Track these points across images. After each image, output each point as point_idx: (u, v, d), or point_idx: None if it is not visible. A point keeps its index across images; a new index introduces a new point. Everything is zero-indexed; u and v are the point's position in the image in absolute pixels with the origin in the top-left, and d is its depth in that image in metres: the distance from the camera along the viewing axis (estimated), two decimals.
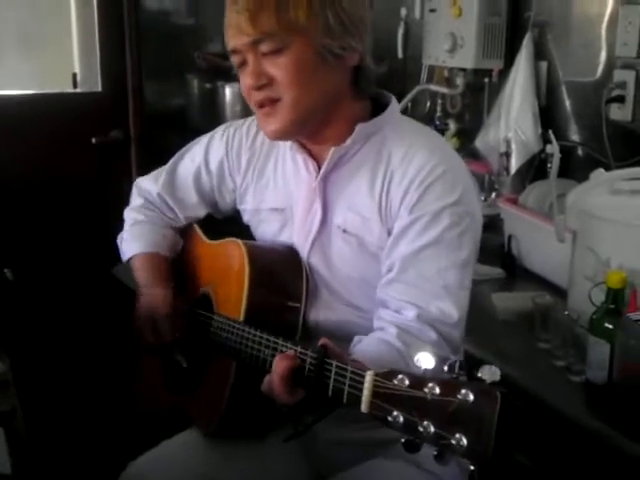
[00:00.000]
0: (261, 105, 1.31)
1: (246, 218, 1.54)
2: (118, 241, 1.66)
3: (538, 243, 2.04)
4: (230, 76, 2.91)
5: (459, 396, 0.89)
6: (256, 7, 1.24)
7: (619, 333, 1.42)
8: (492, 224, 2.20)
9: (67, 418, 2.61)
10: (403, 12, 2.88)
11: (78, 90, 2.96)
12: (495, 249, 2.16)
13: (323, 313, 1.38)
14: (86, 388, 2.72)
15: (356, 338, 1.27)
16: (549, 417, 1.46)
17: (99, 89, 2.96)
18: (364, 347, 1.23)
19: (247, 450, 1.41)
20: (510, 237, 2.15)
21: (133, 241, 1.61)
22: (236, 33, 1.28)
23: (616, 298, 1.46)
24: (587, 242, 1.69)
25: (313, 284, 1.39)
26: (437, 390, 0.91)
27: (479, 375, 0.91)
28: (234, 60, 1.32)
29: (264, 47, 1.26)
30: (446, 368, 0.93)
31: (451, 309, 1.26)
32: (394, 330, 1.24)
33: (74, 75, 2.94)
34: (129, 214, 1.66)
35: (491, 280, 2.04)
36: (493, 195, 2.48)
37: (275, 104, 1.29)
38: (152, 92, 3.03)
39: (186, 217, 1.61)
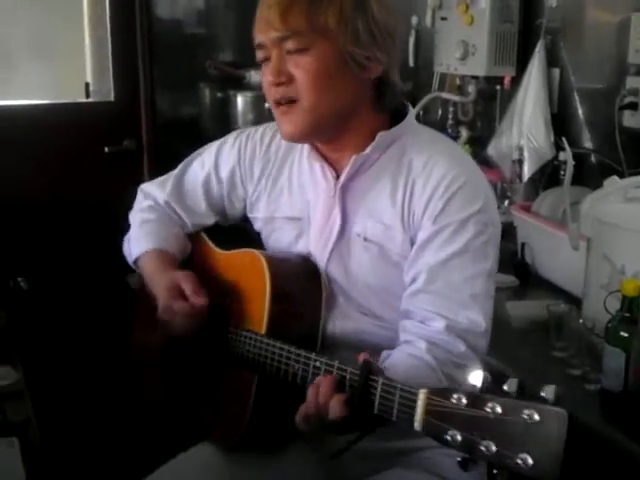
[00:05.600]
0: (278, 103, 1.31)
1: (257, 226, 1.52)
2: (124, 242, 1.60)
3: (552, 251, 2.03)
4: (242, 85, 2.97)
5: (524, 416, 0.89)
6: (288, 2, 1.26)
7: (635, 341, 1.40)
8: (505, 232, 2.16)
9: (82, 428, 2.61)
10: (414, 20, 2.88)
11: (91, 100, 2.97)
12: (508, 257, 2.14)
13: (340, 322, 1.36)
14: (101, 398, 2.72)
15: (384, 353, 1.25)
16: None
17: (112, 99, 2.97)
18: (394, 362, 1.22)
19: (265, 462, 1.39)
20: (523, 245, 2.14)
21: (142, 239, 1.55)
22: (265, 27, 1.29)
23: (631, 306, 1.44)
24: (602, 250, 1.68)
25: (330, 293, 1.37)
26: (499, 409, 0.91)
27: (542, 395, 0.90)
28: (259, 55, 1.33)
29: (289, 44, 1.27)
30: (506, 387, 0.93)
31: (479, 318, 1.26)
32: (423, 345, 1.23)
33: (87, 85, 2.96)
34: (136, 216, 1.60)
35: (505, 288, 2.02)
36: (506, 203, 2.47)
37: (292, 105, 1.29)
38: (164, 101, 3.04)
39: (194, 224, 1.57)
